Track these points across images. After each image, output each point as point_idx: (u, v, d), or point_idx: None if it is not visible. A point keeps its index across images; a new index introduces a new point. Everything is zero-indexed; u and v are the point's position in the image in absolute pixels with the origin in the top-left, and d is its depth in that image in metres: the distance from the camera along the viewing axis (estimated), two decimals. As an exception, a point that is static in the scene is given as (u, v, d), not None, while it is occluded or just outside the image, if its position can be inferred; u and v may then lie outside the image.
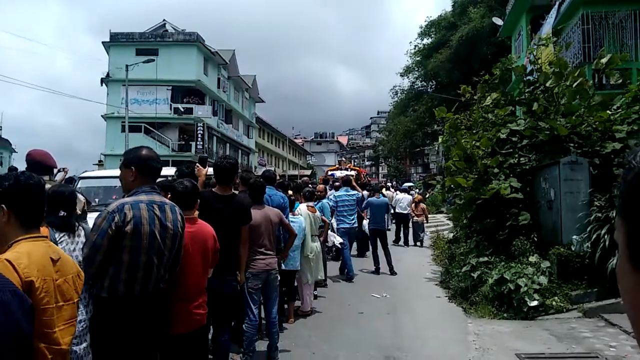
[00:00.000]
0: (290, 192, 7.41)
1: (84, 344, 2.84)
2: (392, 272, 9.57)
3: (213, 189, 4.31)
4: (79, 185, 7.71)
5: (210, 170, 4.58)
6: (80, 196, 4.33)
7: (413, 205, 14.74)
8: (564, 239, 7.04)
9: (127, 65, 26.95)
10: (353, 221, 9.45)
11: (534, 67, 8.89)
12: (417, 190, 31.02)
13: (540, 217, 7.75)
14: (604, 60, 8.10)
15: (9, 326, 1.25)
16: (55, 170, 4.72)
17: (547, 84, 8.24)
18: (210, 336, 4.26)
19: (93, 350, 2.79)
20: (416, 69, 37.64)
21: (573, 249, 6.78)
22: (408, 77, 39.19)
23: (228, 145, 39.92)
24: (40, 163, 3.89)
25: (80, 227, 3.06)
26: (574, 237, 6.85)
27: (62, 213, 2.97)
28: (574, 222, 6.98)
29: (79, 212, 3.99)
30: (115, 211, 2.70)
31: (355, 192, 9.84)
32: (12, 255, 1.84)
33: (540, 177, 7.91)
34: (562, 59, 8.61)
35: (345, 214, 9.38)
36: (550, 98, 8.45)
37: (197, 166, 4.84)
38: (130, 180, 2.90)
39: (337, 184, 11.37)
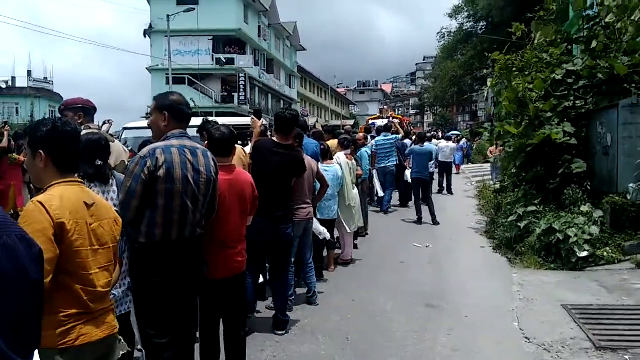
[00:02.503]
0: (330, 141, 7.32)
1: (123, 288, 2.91)
2: (435, 222, 9.43)
3: (273, 138, 4.48)
4: (123, 136, 7.86)
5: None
6: (124, 147, 4.37)
7: (494, 147, 14.39)
8: (619, 188, 6.62)
9: (168, 16, 26.91)
10: (389, 162, 10.37)
11: (595, 0, 8.13)
12: (466, 139, 30.09)
13: (595, 164, 7.31)
14: (674, -10, 7.28)
15: (13, 271, 1.23)
16: (100, 123, 4.77)
17: (609, 19, 7.53)
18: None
19: (134, 294, 2.85)
20: (466, 9, 35.65)
21: (629, 197, 6.38)
22: (456, 19, 37.27)
23: (270, 95, 39.83)
24: (74, 104, 3.90)
25: (113, 177, 3.06)
26: (631, 185, 6.43)
27: (98, 162, 2.97)
28: (632, 169, 6.53)
29: (126, 162, 4.06)
30: (147, 156, 2.70)
31: (393, 135, 10.81)
32: (44, 197, 1.87)
33: (596, 121, 7.40)
34: (630, -9, 7.80)
35: (382, 155, 10.32)
36: (611, 35, 7.76)
37: (253, 118, 4.99)
38: (163, 126, 2.87)
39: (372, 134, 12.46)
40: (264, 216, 4.03)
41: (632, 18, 7.41)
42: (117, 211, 2.37)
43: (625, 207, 6.33)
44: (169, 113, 2.85)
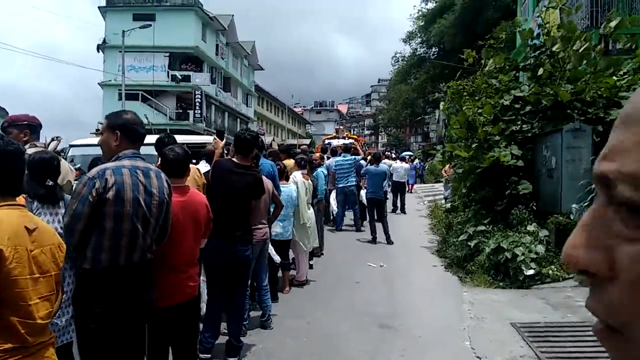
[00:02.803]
0: (286, 160, 7.33)
1: (66, 316, 2.77)
2: (389, 241, 9.54)
3: (232, 158, 4.43)
4: (70, 153, 7.54)
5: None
6: (70, 166, 4.20)
7: (448, 166, 14.55)
8: (563, 208, 6.95)
9: (123, 31, 26.38)
10: (347, 182, 10.50)
11: (541, 30, 8.61)
12: (419, 160, 30.83)
13: (540, 185, 7.65)
14: (612, 24, 7.82)
15: None
16: (48, 139, 4.57)
17: (554, 49, 7.98)
18: (204, 307, 4.26)
19: (77, 323, 2.71)
20: (419, 35, 36.93)
21: (572, 217, 6.70)
22: (410, 44, 38.54)
23: (227, 113, 39.50)
24: (19, 121, 3.74)
25: (62, 199, 2.95)
26: (573, 205, 6.76)
27: (49, 182, 2.85)
28: (575, 190, 6.87)
29: (72, 182, 3.90)
30: (96, 177, 2.58)
31: (352, 156, 10.95)
32: None
33: (542, 144, 7.77)
34: (571, 22, 8.32)
35: (341, 175, 10.50)
36: (556, 63, 8.22)
37: (215, 139, 4.94)
38: (114, 146, 2.76)
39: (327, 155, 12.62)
40: (222, 237, 3.96)
41: (574, 48, 7.87)
42: (61, 235, 2.26)
43: (568, 227, 6.61)
44: (121, 132, 2.75)
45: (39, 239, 1.90)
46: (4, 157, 1.86)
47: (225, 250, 4.06)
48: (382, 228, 9.64)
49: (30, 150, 3.17)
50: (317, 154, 10.27)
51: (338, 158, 11.05)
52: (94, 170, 2.65)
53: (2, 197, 1.86)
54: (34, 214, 2.69)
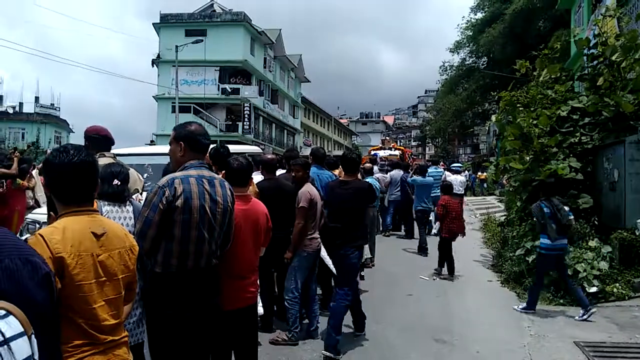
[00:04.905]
0: (335, 171, 7.37)
1: (134, 318, 2.88)
2: (422, 251, 9.49)
3: (340, 177, 5.17)
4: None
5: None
6: (138, 175, 4.41)
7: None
8: (627, 223, 6.62)
9: (176, 46, 27.44)
10: (397, 193, 11.52)
11: (599, 39, 8.30)
12: (468, 171, 30.21)
13: (601, 199, 7.33)
14: (678, 31, 7.45)
15: (16, 294, 1.28)
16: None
17: (614, 58, 7.67)
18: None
19: (148, 324, 2.82)
20: (467, 45, 36.27)
21: (637, 233, 6.38)
22: (458, 54, 37.86)
23: (274, 125, 40.21)
24: (97, 135, 3.95)
25: (130, 203, 3.08)
26: (638, 221, 6.44)
27: (116, 182, 3.00)
28: (639, 205, 6.55)
29: (139, 190, 4.08)
30: (166, 185, 2.70)
31: (400, 172, 11.87)
32: (47, 230, 1.83)
33: (602, 157, 7.45)
34: (634, 31, 7.97)
35: (392, 189, 11.57)
36: (615, 73, 7.89)
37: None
38: (179, 156, 2.88)
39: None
40: (336, 245, 4.69)
41: (636, 57, 7.54)
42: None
43: (633, 243, 6.31)
44: (184, 143, 2.86)
45: (107, 244, 1.95)
46: (56, 169, 1.93)
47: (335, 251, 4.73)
48: (419, 237, 9.61)
49: (101, 161, 3.33)
50: (368, 164, 10.26)
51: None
52: (164, 179, 2.77)
53: (66, 206, 1.93)
54: (107, 216, 2.83)
